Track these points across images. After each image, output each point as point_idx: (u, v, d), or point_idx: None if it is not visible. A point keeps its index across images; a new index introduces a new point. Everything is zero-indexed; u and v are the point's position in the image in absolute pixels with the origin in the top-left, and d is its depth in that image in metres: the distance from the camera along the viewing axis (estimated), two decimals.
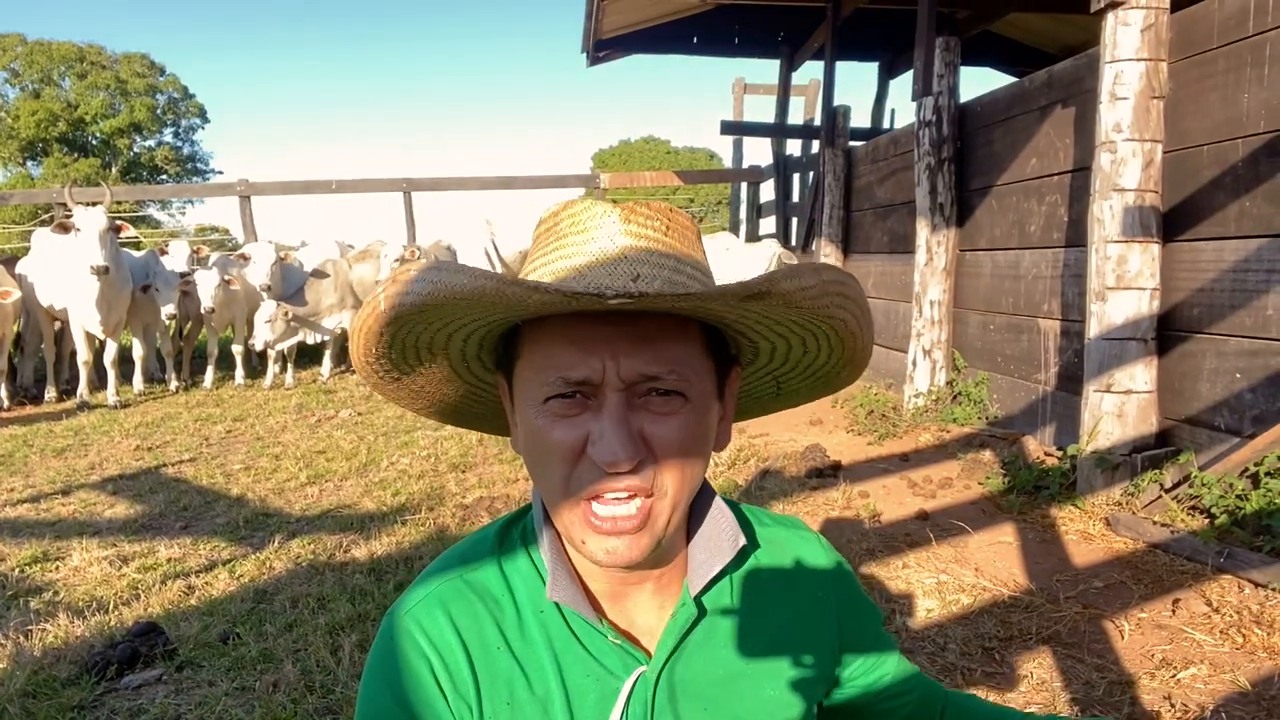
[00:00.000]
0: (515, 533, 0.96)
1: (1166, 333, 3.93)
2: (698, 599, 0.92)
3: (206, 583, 3.61)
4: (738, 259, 8.11)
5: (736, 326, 0.85)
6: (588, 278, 0.77)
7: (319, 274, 9.23)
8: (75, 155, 37.91)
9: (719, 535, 0.92)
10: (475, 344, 0.88)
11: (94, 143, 39.30)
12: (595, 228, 0.81)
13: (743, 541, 0.93)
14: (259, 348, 8.68)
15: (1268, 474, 3.25)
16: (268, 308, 8.53)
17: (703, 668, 0.92)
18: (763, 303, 0.77)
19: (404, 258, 9.56)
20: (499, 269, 10.00)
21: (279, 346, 8.87)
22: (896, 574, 3.37)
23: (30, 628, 3.15)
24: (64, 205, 8.51)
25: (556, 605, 0.89)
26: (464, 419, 1.05)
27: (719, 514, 0.94)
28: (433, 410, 1.01)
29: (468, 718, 0.86)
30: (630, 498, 0.79)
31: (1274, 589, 2.85)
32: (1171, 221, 3.91)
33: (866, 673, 1.04)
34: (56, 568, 3.84)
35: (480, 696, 0.87)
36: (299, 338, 9.11)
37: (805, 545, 1.03)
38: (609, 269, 0.77)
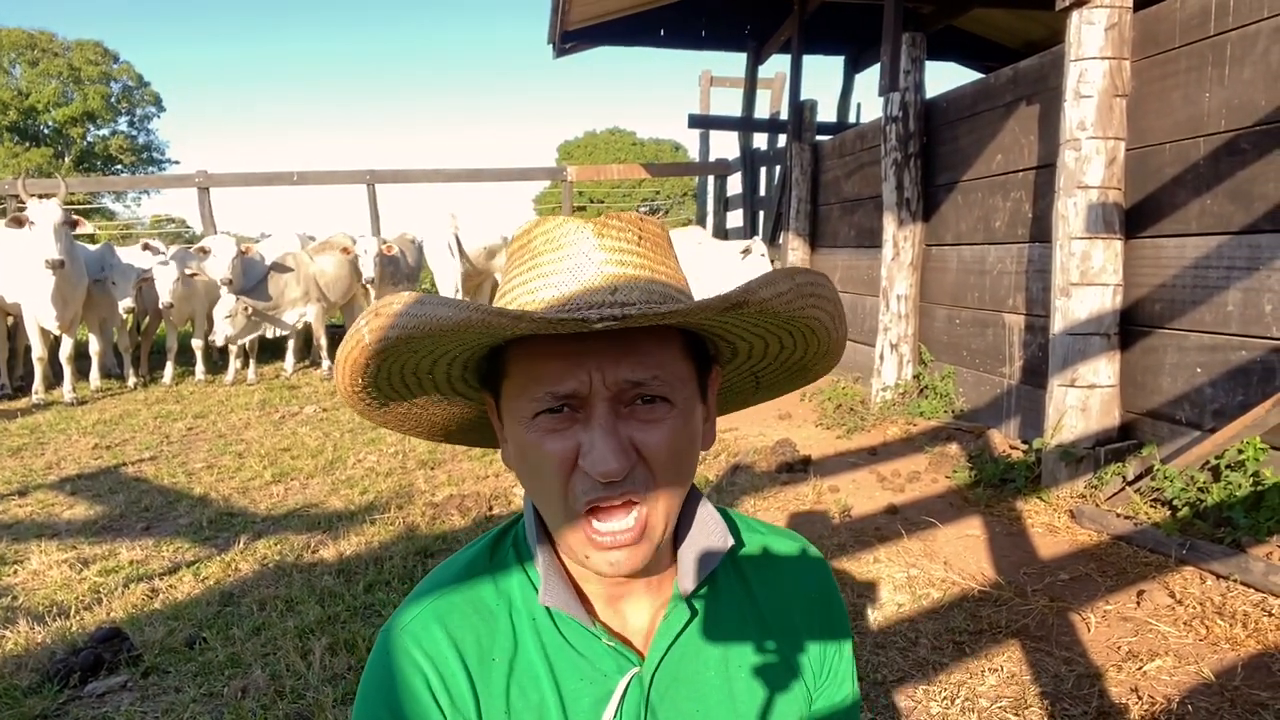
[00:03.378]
0: (507, 542, 0.97)
1: (1129, 328, 4.00)
2: (689, 600, 0.93)
3: (170, 585, 3.54)
4: (712, 255, 8.09)
5: (715, 331, 0.87)
6: (568, 296, 0.79)
7: (281, 267, 9.08)
8: (27, 145, 36.94)
9: (708, 537, 0.93)
10: (460, 366, 0.89)
11: (46, 132, 38.33)
12: (570, 244, 0.82)
13: (730, 544, 0.94)
14: (219, 343, 8.53)
15: (1228, 467, 3.32)
16: (227, 302, 8.38)
17: (695, 668, 0.93)
18: (740, 312, 0.79)
19: (382, 252, 9.45)
20: (460, 264, 9.92)
21: (239, 341, 8.73)
22: (867, 568, 3.40)
23: None
24: (17, 197, 8.29)
25: (549, 612, 0.90)
26: (453, 437, 1.05)
27: (707, 516, 0.95)
28: (421, 430, 1.02)
29: None
30: (626, 506, 0.81)
31: (1235, 580, 2.91)
32: (1134, 218, 3.98)
33: (830, 696, 1.02)
34: (15, 572, 3.75)
35: (479, 710, 0.88)
36: (260, 332, 8.96)
37: (795, 553, 1.04)
38: (587, 285, 0.79)
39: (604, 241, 0.81)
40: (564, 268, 0.81)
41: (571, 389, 0.79)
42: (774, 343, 0.91)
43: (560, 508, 0.82)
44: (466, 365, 0.89)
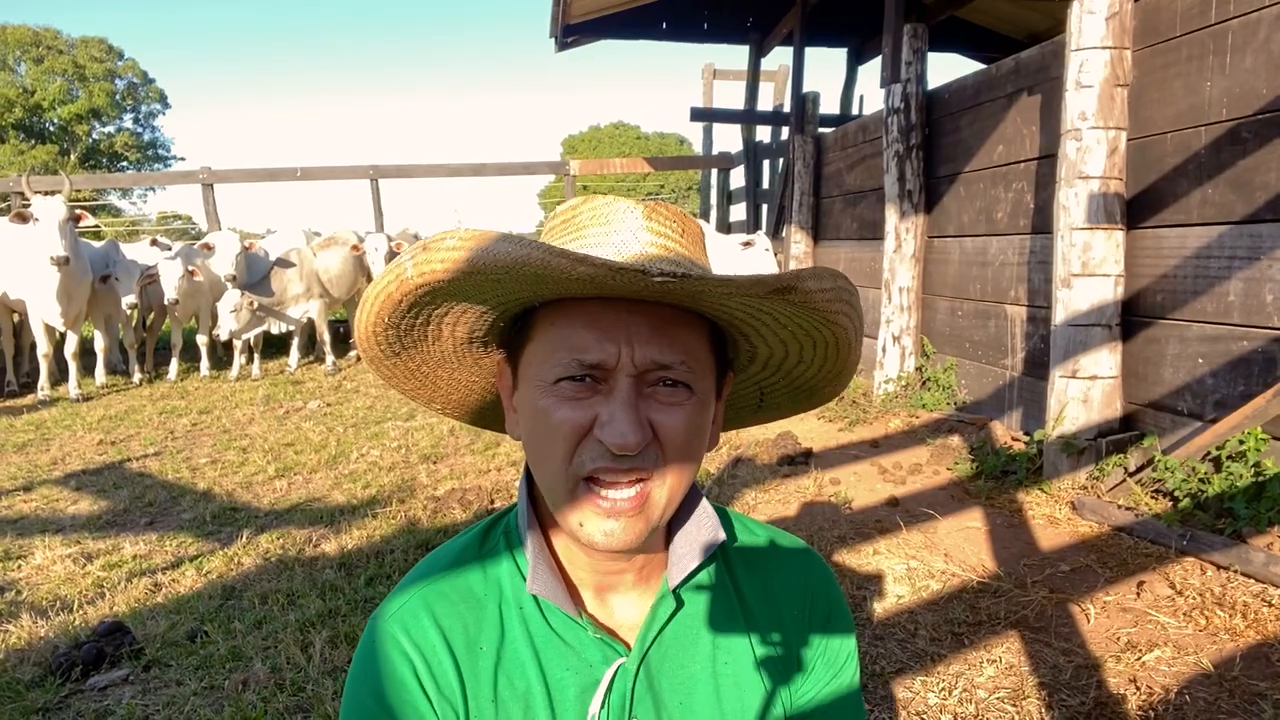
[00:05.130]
0: (498, 531, 0.97)
1: (1131, 319, 3.99)
2: (676, 592, 0.93)
3: (173, 580, 3.56)
4: (714, 249, 8.07)
5: (745, 326, 0.86)
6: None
7: (284, 263, 9.09)
8: (32, 142, 37.05)
9: (700, 531, 0.93)
10: (485, 322, 0.88)
11: (51, 129, 38.44)
12: (618, 221, 0.82)
13: (722, 538, 0.94)
14: (224, 338, 8.55)
15: (1229, 458, 3.31)
16: (232, 297, 8.39)
17: (680, 660, 0.94)
18: (787, 298, 0.79)
19: (393, 251, 9.45)
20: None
21: (243, 336, 8.75)
22: (867, 560, 3.40)
23: None
24: (21, 194, 8.31)
25: (537, 601, 0.90)
26: (451, 406, 1.05)
27: (702, 512, 0.95)
28: (421, 393, 1.01)
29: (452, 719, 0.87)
30: (631, 483, 0.81)
31: (1235, 571, 2.90)
32: (1135, 209, 3.96)
33: (816, 693, 1.02)
34: (18, 566, 3.77)
35: (466, 697, 0.88)
36: (264, 327, 8.99)
37: (788, 552, 1.04)
38: (631, 260, 0.78)
39: (652, 225, 0.82)
40: (609, 242, 0.81)
41: (599, 359, 0.79)
42: (794, 350, 0.91)
43: (561, 474, 0.81)
44: (491, 325, 0.89)
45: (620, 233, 0.81)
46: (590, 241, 0.82)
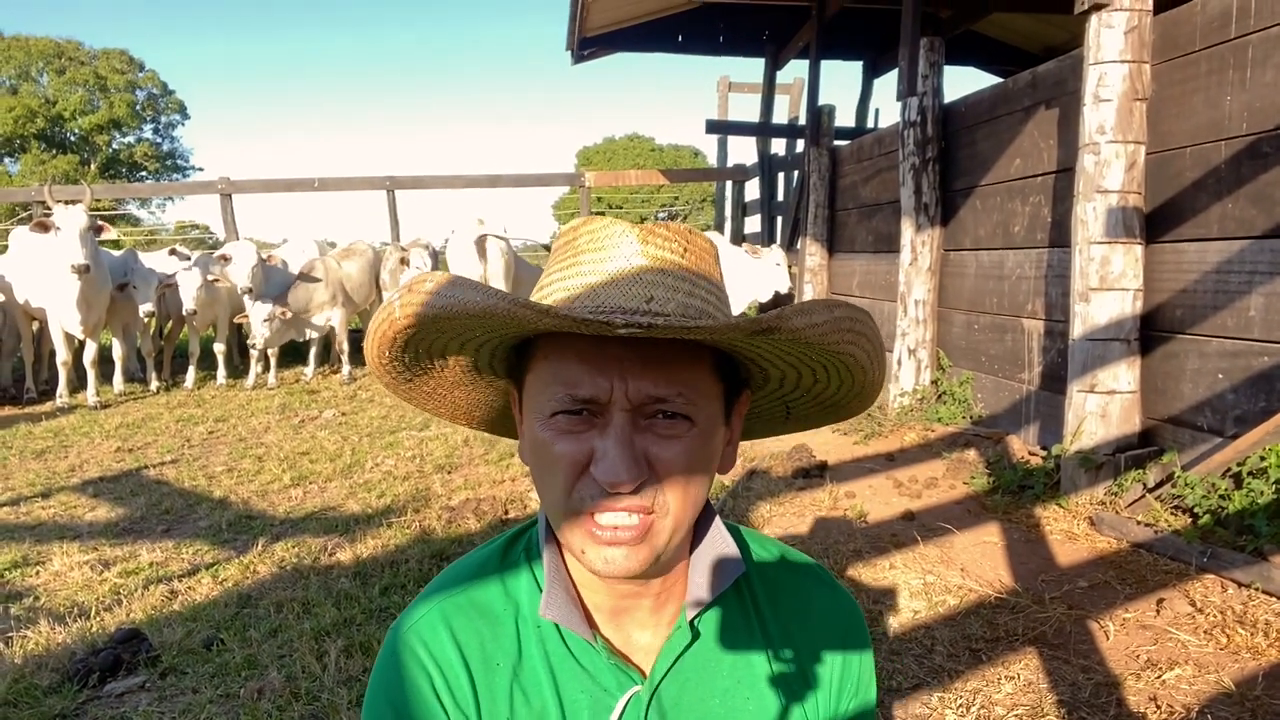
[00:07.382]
0: (519, 547, 0.97)
1: (1149, 333, 3.96)
2: (693, 622, 0.92)
3: (189, 587, 3.57)
4: (725, 261, 8.07)
5: (747, 355, 0.85)
6: (601, 297, 0.78)
7: (308, 274, 9.16)
8: (53, 152, 37.50)
9: (718, 560, 0.92)
10: (487, 353, 0.89)
11: (72, 139, 38.90)
12: (612, 247, 0.81)
13: (741, 565, 0.92)
14: (260, 346, 8.61)
15: (1250, 474, 3.28)
16: (264, 307, 8.45)
17: (696, 691, 0.92)
18: (771, 337, 0.77)
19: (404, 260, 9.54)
20: (504, 262, 9.36)
21: (275, 346, 8.86)
22: (883, 575, 3.38)
23: (10, 635, 3.11)
24: (43, 203, 8.40)
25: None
26: (474, 422, 1.06)
27: (719, 538, 0.93)
28: (443, 410, 1.02)
29: None
30: (632, 512, 0.79)
31: (1257, 589, 2.87)
32: (1154, 223, 3.94)
33: (840, 715, 1.00)
34: (37, 573, 3.79)
35: (480, 712, 0.88)
36: (299, 336, 9.13)
37: (807, 575, 1.02)
38: (623, 290, 0.78)
39: (647, 249, 0.80)
40: (603, 270, 0.80)
41: (591, 394, 0.78)
42: (806, 374, 0.89)
43: (562, 505, 0.81)
44: (494, 353, 0.89)
45: (615, 260, 0.80)
46: (585, 268, 0.81)
